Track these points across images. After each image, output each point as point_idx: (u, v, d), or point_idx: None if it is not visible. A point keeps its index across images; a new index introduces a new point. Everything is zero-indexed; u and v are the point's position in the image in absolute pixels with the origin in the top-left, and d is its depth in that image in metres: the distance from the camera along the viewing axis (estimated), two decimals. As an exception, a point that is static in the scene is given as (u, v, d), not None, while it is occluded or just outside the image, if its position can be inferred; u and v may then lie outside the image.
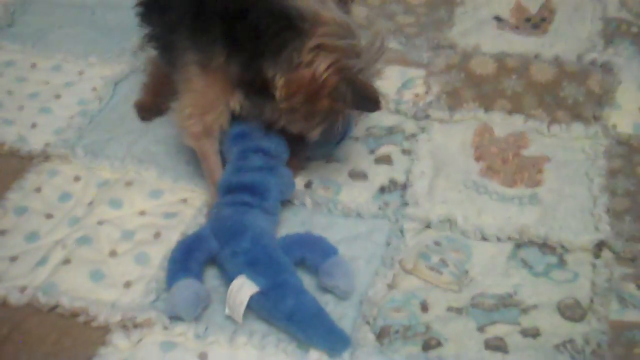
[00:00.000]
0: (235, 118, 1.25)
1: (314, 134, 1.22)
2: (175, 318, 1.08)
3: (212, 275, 1.16)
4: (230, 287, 1.09)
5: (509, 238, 1.21)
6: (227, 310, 1.09)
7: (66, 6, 1.79)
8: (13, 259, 1.18)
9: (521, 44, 1.62)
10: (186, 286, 1.09)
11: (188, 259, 1.13)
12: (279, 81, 1.14)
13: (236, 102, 1.21)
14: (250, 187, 1.20)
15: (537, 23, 1.68)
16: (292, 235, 1.20)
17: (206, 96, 1.22)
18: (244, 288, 1.08)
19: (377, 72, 1.20)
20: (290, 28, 1.12)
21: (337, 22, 1.15)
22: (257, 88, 1.17)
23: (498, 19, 1.70)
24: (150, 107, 1.45)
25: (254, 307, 1.08)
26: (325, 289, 1.12)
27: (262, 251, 1.12)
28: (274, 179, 1.22)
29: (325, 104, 1.15)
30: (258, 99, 1.20)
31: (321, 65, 1.12)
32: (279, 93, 1.15)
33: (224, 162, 1.27)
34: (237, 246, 1.12)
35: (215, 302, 1.11)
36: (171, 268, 1.13)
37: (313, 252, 1.15)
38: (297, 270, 1.14)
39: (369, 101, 1.15)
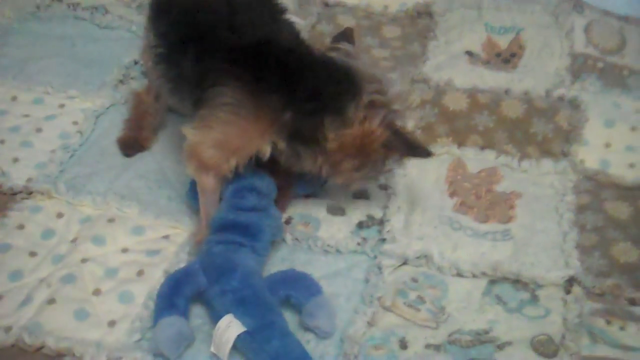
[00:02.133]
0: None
1: (357, 184, 1.31)
2: (159, 355, 1.10)
3: (195, 314, 1.17)
4: (218, 325, 1.10)
5: (483, 274, 1.24)
6: (212, 348, 1.11)
7: (47, 37, 1.77)
8: (-2, 298, 1.19)
9: (492, 78, 1.64)
10: (170, 324, 1.11)
11: (175, 293, 1.15)
12: (331, 134, 1.19)
13: (268, 147, 1.22)
14: (245, 227, 1.21)
15: (507, 58, 1.71)
16: (277, 273, 1.22)
17: (241, 138, 1.22)
18: (231, 327, 1.09)
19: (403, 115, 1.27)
20: (350, 87, 1.19)
21: (375, 77, 1.23)
22: (303, 137, 1.21)
23: (470, 53, 1.72)
24: (133, 143, 1.46)
25: (239, 346, 1.10)
26: (308, 328, 1.15)
27: (250, 291, 1.14)
28: (267, 220, 1.24)
29: (379, 154, 1.22)
30: (301, 148, 1.23)
31: (373, 121, 1.19)
32: (330, 145, 1.20)
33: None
34: (227, 284, 1.14)
35: (198, 341, 1.13)
36: (158, 303, 1.15)
37: (297, 291, 1.17)
38: (281, 307, 1.16)
39: (421, 149, 1.23)
